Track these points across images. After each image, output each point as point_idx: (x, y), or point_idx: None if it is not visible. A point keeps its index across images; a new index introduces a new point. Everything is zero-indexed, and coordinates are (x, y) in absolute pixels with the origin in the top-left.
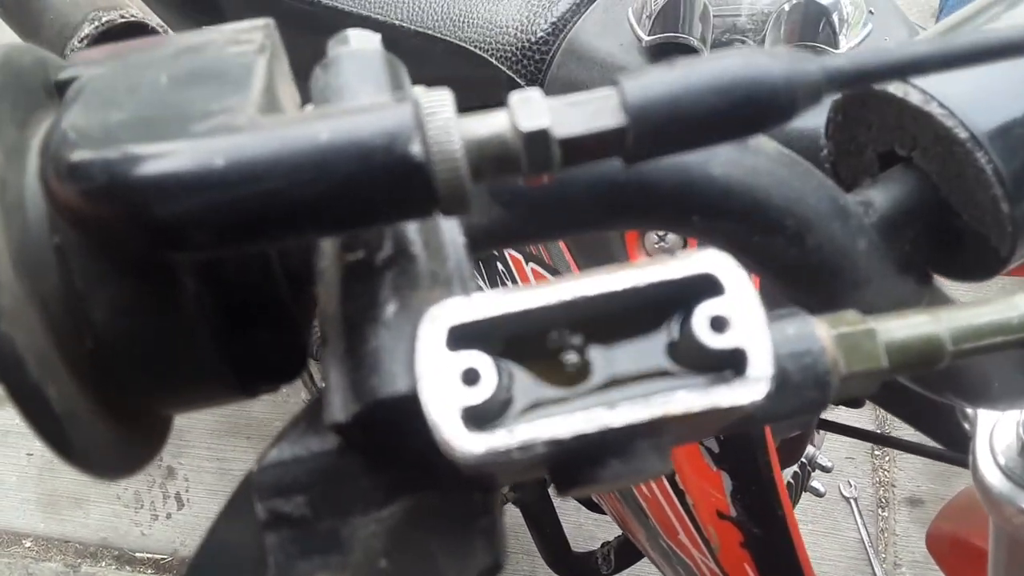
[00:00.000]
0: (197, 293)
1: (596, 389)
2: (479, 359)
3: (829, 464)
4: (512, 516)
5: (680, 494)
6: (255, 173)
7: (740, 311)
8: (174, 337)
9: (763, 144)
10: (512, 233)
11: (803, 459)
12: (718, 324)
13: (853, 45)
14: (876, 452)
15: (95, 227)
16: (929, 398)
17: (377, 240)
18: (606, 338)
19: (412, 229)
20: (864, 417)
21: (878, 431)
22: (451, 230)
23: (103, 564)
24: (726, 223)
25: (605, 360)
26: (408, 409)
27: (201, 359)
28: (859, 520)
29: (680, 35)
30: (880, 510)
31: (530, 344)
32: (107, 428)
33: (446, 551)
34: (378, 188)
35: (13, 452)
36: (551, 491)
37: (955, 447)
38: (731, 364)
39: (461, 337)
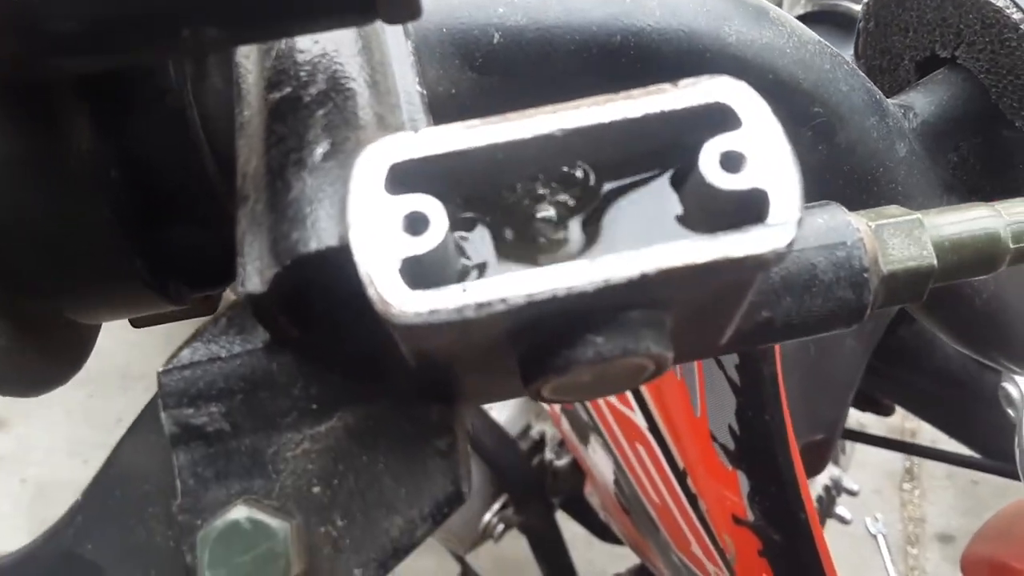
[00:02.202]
0: (92, 151)
1: (573, 243)
2: (426, 202)
3: (856, 487)
4: (520, 548)
5: (692, 499)
6: None
7: (760, 146)
8: (64, 208)
9: (785, 19)
10: (484, 104)
11: (828, 482)
12: (731, 162)
13: None
14: (904, 486)
15: None
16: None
17: (308, 73)
18: (592, 190)
19: (352, 63)
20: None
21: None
22: (406, 77)
23: None
24: None
25: (589, 217)
26: (341, 270)
27: (102, 245)
28: (887, 557)
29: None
30: (909, 547)
31: (494, 197)
32: (2, 336)
33: (396, 475)
34: None
35: (6, 478)
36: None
37: (993, 455)
38: (748, 214)
39: (406, 179)
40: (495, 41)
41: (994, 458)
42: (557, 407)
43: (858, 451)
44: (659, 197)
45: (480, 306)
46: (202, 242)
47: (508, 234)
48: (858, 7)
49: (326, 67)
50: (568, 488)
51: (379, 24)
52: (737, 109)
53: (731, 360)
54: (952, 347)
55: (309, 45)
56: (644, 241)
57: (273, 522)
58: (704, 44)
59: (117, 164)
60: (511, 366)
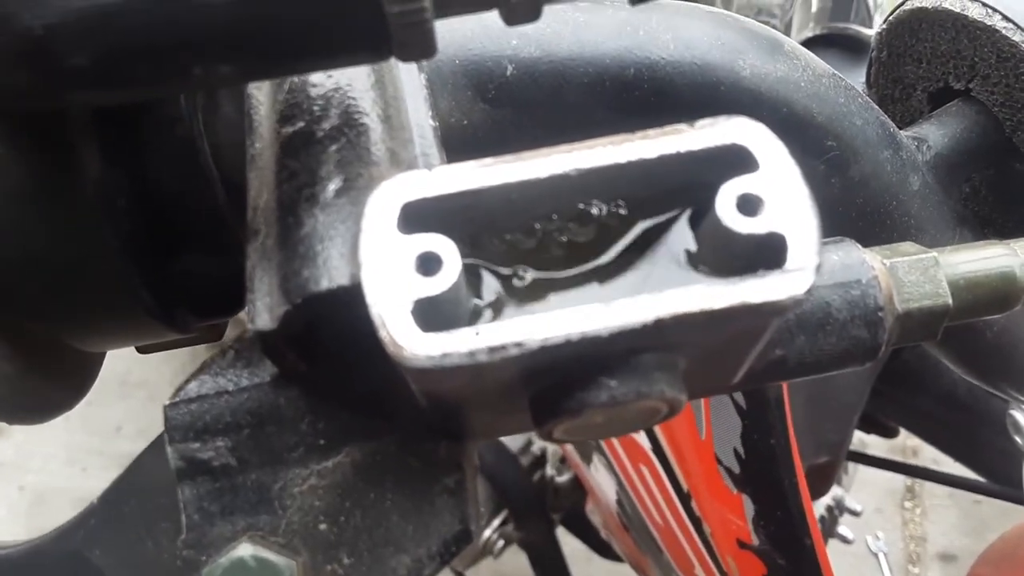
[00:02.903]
0: (101, 180)
1: (587, 285)
2: (439, 242)
3: (859, 507)
4: (519, 564)
5: (696, 522)
6: None
7: (777, 189)
8: (70, 237)
9: (799, 52)
10: (497, 137)
11: (830, 502)
12: (749, 205)
13: None
14: (906, 504)
15: None
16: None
17: (321, 107)
18: (607, 229)
19: (366, 98)
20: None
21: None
22: (419, 111)
23: None
24: None
25: (603, 256)
26: (351, 309)
27: (108, 274)
28: None
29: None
30: (911, 566)
31: (507, 236)
32: (7, 363)
33: (403, 513)
34: (312, 5)
35: (4, 485)
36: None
37: (999, 479)
38: (765, 258)
39: (418, 218)
40: (508, 73)
41: (999, 482)
42: None
43: (860, 469)
44: (675, 237)
45: (493, 350)
46: (210, 271)
47: (521, 273)
48: (868, 31)
49: (339, 102)
50: (569, 504)
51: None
52: (754, 151)
53: None
54: (958, 372)
55: (322, 79)
56: (660, 282)
57: (279, 560)
58: (718, 77)
59: (125, 193)
60: (522, 405)
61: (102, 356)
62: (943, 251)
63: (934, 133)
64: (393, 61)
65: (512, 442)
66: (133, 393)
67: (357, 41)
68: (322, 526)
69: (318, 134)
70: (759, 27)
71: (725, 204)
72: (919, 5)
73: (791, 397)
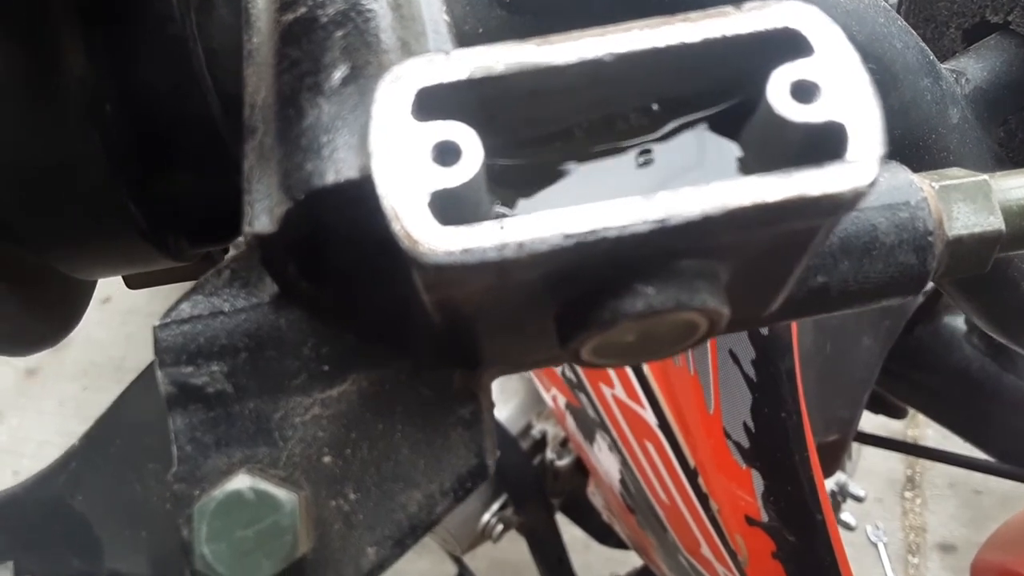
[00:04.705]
0: (85, 80)
1: (622, 182)
2: (459, 131)
3: (862, 493)
4: (518, 550)
5: (703, 498)
6: None
7: (835, 76)
8: (53, 143)
9: None
10: None
11: (834, 487)
12: (804, 92)
13: None
14: (906, 494)
15: None
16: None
17: None
18: (643, 121)
19: None
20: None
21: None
22: (432, 6)
23: None
24: None
25: (640, 152)
26: (361, 207)
27: (95, 187)
28: (887, 566)
29: None
30: (910, 556)
31: (534, 132)
32: None
33: (414, 446)
34: None
35: None
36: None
37: (1011, 459)
38: (821, 152)
39: (437, 106)
40: None
41: (1010, 463)
42: (562, 403)
43: (862, 458)
44: (718, 135)
45: (521, 245)
46: (204, 191)
47: (547, 176)
48: None
49: None
50: (569, 489)
51: None
52: (808, 35)
53: (747, 355)
54: (971, 348)
55: None
56: (702, 180)
57: (279, 493)
58: None
59: (112, 97)
60: (545, 323)
61: (91, 286)
62: (994, 176)
63: (972, 67)
64: None
65: (512, 425)
66: (129, 379)
67: None
68: (326, 459)
69: (321, 19)
70: None
71: (778, 91)
72: None
73: (802, 371)
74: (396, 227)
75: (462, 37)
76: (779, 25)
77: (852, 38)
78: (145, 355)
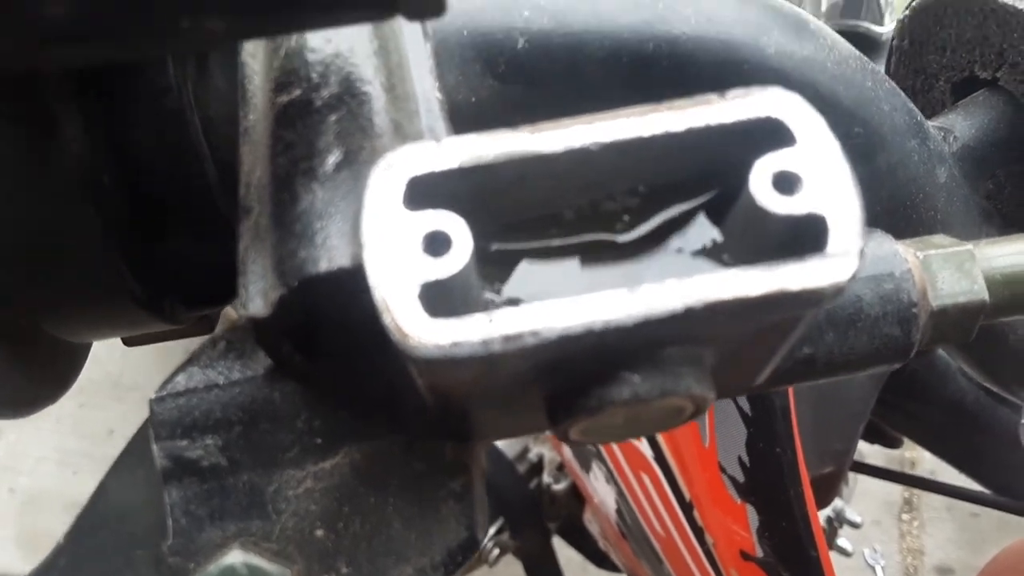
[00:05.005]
0: (82, 154)
1: (605, 272)
2: (448, 220)
3: (859, 519)
4: (514, 574)
5: (699, 532)
6: None
7: (817, 166)
8: (49, 216)
9: (825, 32)
10: (506, 114)
11: (830, 513)
12: (786, 182)
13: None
14: (904, 516)
15: None
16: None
17: (320, 74)
18: (630, 206)
19: (368, 65)
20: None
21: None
22: (425, 81)
23: None
24: None
25: (623, 240)
26: (352, 294)
27: (90, 258)
28: None
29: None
30: None
31: (521, 219)
32: None
33: (406, 519)
34: None
35: None
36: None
37: (1005, 491)
38: (801, 244)
39: (426, 195)
40: (519, 47)
41: (1006, 495)
42: None
43: (859, 481)
44: (698, 223)
45: (508, 339)
46: (200, 257)
47: (535, 261)
48: (879, 28)
49: (339, 68)
50: (565, 513)
51: (397, 24)
52: (791, 124)
53: None
54: (966, 380)
55: (321, 44)
56: (686, 269)
57: (272, 568)
58: (742, 55)
59: (109, 169)
60: (536, 402)
61: (87, 348)
62: (978, 244)
63: (960, 123)
64: (398, 26)
65: (508, 448)
66: (126, 396)
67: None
68: (318, 532)
69: (316, 103)
70: (783, 4)
71: (760, 181)
72: None
73: (797, 404)
74: (387, 319)
75: (454, 107)
76: (762, 114)
77: (839, 102)
78: (141, 373)
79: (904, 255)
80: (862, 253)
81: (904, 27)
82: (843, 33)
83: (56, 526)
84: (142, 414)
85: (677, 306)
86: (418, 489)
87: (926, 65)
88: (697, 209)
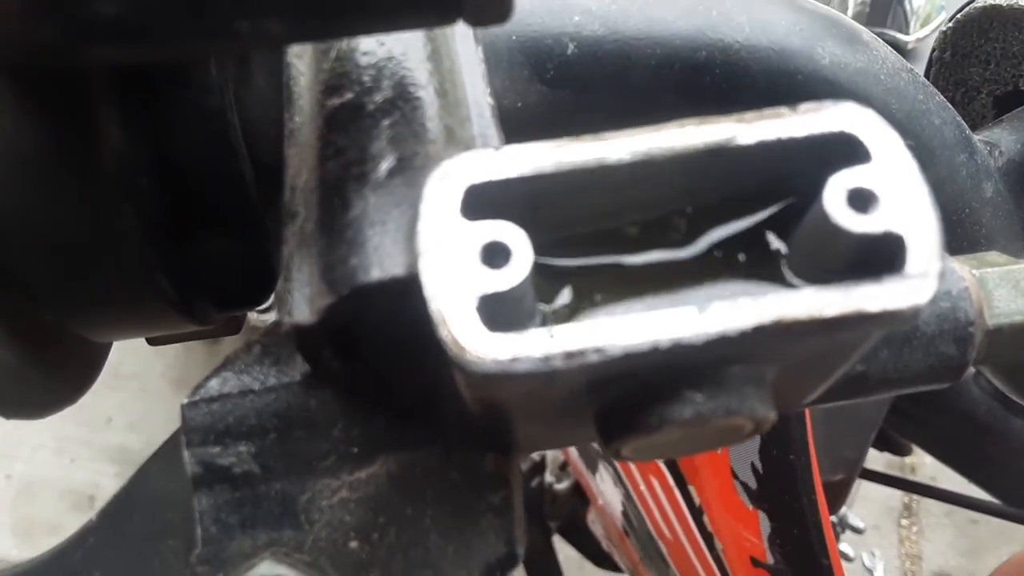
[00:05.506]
0: (122, 152)
1: (670, 285)
2: (508, 231)
3: (861, 525)
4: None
5: (708, 537)
6: None
7: (893, 184)
8: (85, 214)
9: (878, 44)
10: (554, 120)
11: (833, 518)
12: (861, 200)
13: (923, 36)
14: (903, 522)
15: None
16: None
17: (373, 78)
18: (693, 220)
19: (421, 70)
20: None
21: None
22: (477, 86)
23: None
24: None
25: (686, 252)
26: (403, 303)
27: (124, 257)
28: None
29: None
30: None
31: (585, 224)
32: (6, 351)
33: (443, 532)
34: None
35: None
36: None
37: (1017, 502)
38: (874, 263)
39: (485, 204)
40: (569, 52)
41: (1017, 505)
42: None
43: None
44: (764, 238)
45: (570, 355)
46: (234, 259)
47: (594, 275)
48: (904, 36)
49: (392, 72)
50: (566, 512)
51: (450, 27)
52: (866, 141)
53: None
54: (979, 390)
55: (374, 47)
56: (751, 289)
57: None
58: (796, 65)
59: (147, 168)
60: (585, 415)
61: (107, 348)
62: None
63: (1007, 138)
64: (450, 31)
65: None
66: (124, 385)
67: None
68: (352, 544)
69: (369, 107)
70: (836, 14)
71: (834, 198)
72: (992, 3)
73: (811, 411)
74: (443, 333)
75: (502, 112)
76: (835, 129)
77: (891, 115)
78: (140, 362)
79: (961, 273)
80: (940, 275)
81: (947, 39)
82: None
83: (53, 514)
84: (140, 403)
85: (749, 325)
86: (457, 501)
87: (968, 77)
88: (763, 223)
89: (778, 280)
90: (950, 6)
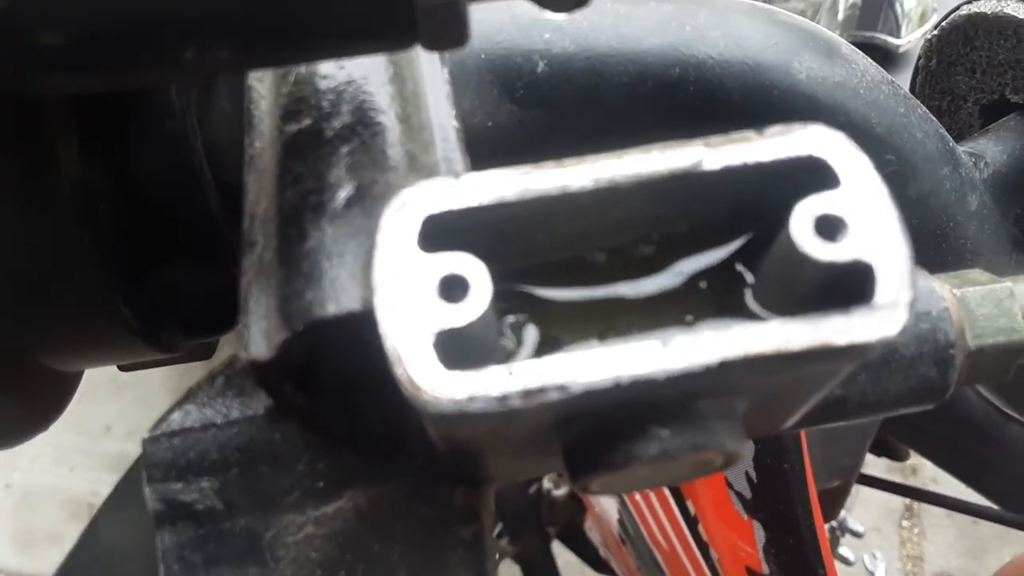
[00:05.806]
0: (80, 180)
1: (633, 319)
2: (466, 264)
3: (861, 529)
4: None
5: (704, 547)
6: None
7: (862, 210)
8: (43, 243)
9: (857, 56)
10: (524, 139)
11: (833, 523)
12: (829, 227)
13: (915, 39)
14: (904, 523)
15: None
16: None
17: (332, 103)
18: (656, 248)
19: (382, 94)
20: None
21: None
22: (442, 109)
23: None
24: None
25: (649, 283)
26: (361, 337)
27: (84, 287)
28: None
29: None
30: None
31: (546, 253)
32: None
33: (412, 569)
34: None
35: None
36: (555, 541)
37: (1015, 507)
38: (842, 292)
39: (445, 234)
40: (539, 70)
41: (1015, 510)
42: None
43: (861, 488)
44: (730, 267)
45: (529, 394)
46: (200, 285)
47: (556, 306)
48: (896, 40)
49: (352, 97)
50: (565, 518)
51: (414, 48)
52: (835, 165)
53: None
54: (976, 395)
55: (333, 71)
56: (716, 322)
57: None
58: (772, 80)
59: (107, 195)
60: (553, 448)
61: (79, 375)
62: (1017, 280)
63: (992, 149)
64: (414, 52)
65: None
66: (123, 393)
67: (379, 24)
68: None
69: (327, 133)
70: (814, 27)
71: (801, 226)
72: (977, 11)
73: None
74: (399, 371)
75: (471, 132)
76: (803, 153)
77: (871, 129)
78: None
79: (941, 292)
80: (912, 305)
81: (932, 46)
82: (859, 45)
83: (52, 523)
84: (139, 411)
85: (714, 360)
86: (426, 536)
87: (954, 86)
88: (729, 252)
89: (744, 311)
90: (942, 8)
